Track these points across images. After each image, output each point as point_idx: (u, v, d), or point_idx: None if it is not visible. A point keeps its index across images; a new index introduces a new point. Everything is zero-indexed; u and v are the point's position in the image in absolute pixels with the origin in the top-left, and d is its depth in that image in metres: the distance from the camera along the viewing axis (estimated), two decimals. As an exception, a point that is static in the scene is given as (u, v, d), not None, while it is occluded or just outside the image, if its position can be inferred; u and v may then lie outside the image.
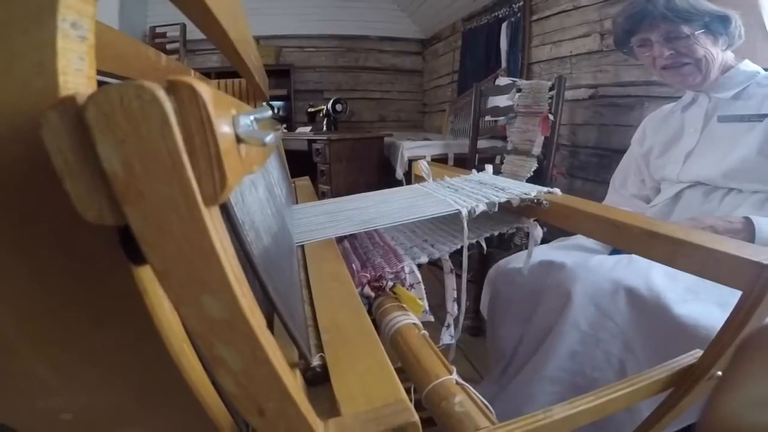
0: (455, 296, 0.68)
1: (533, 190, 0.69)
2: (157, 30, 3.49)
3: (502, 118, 1.78)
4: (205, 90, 0.13)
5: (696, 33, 0.90)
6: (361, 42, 3.94)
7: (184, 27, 3.44)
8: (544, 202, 0.66)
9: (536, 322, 0.86)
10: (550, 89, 1.60)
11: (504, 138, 1.80)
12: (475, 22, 2.99)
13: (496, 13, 2.67)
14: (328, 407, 0.25)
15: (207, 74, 1.52)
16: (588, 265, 0.81)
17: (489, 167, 0.88)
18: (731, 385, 0.20)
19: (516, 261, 0.97)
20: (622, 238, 0.55)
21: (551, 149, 1.61)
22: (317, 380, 0.29)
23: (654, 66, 0.99)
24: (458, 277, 0.68)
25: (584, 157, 1.93)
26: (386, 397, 0.24)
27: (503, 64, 2.53)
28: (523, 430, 0.36)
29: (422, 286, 0.59)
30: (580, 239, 1.01)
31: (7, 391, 0.19)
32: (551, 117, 1.58)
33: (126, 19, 3.26)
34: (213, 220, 0.13)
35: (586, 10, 1.95)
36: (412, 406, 0.24)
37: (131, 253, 0.15)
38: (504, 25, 2.54)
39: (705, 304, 0.69)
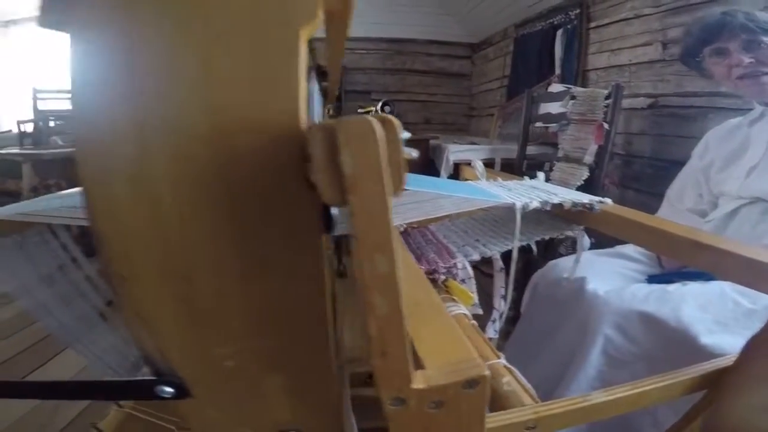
0: (503, 293, 0.70)
1: (585, 198, 0.70)
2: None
3: (554, 124, 1.77)
4: (397, 122, 0.19)
5: None
6: (408, 45, 3.99)
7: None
8: (597, 207, 0.67)
9: (561, 336, 0.88)
10: (606, 97, 1.58)
11: (554, 145, 1.78)
12: (528, 28, 2.96)
13: (551, 20, 2.64)
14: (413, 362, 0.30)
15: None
16: (622, 294, 0.83)
17: (541, 174, 0.89)
18: (738, 388, 0.20)
19: (561, 267, 0.98)
20: (671, 247, 0.56)
21: (604, 158, 1.58)
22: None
23: (728, 76, 0.96)
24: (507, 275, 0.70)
25: (638, 167, 1.88)
26: (460, 357, 0.28)
27: (557, 70, 2.50)
28: (564, 410, 0.39)
29: (473, 282, 0.62)
30: (625, 248, 1.01)
31: (189, 342, 0.25)
32: (606, 126, 1.56)
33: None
34: (391, 205, 0.19)
35: (648, 19, 1.90)
36: (483, 363, 0.28)
37: (326, 224, 0.22)
38: (559, 32, 2.51)
39: (733, 336, 0.69)
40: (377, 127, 0.18)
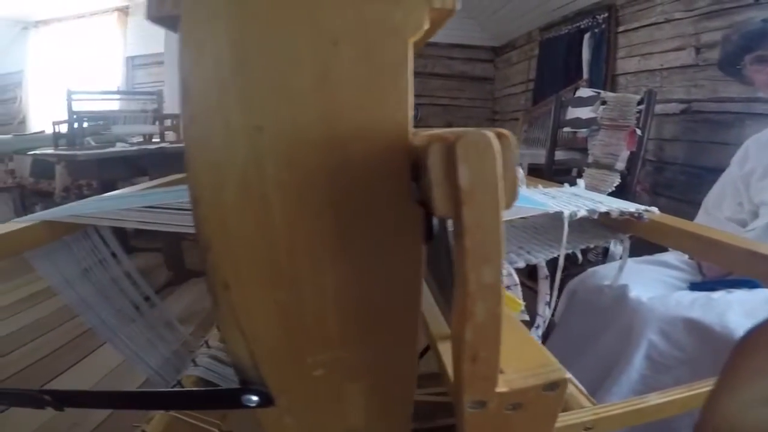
0: (547, 300, 0.70)
1: (632, 206, 0.69)
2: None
3: (583, 129, 1.75)
4: (513, 136, 0.19)
5: None
6: (430, 48, 3.98)
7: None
8: (645, 216, 0.66)
9: (603, 342, 0.88)
10: (639, 103, 1.55)
11: (583, 150, 1.76)
12: (554, 31, 2.94)
13: (578, 24, 2.62)
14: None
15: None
16: (666, 301, 0.83)
17: (581, 181, 0.88)
18: (730, 383, 0.20)
19: (600, 274, 0.97)
20: (727, 257, 0.56)
21: (636, 165, 1.56)
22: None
23: None
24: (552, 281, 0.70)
25: (671, 174, 1.85)
26: (538, 361, 0.28)
27: (585, 74, 2.47)
28: (621, 411, 0.40)
29: (519, 289, 0.62)
30: (664, 256, 1.00)
31: (284, 350, 0.25)
32: (638, 132, 1.53)
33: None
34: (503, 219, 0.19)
35: (680, 23, 1.87)
36: (562, 367, 0.28)
37: (427, 234, 0.23)
38: (587, 36, 2.49)
39: None
40: (494, 140, 0.18)
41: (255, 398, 0.27)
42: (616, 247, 1.50)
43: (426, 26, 0.21)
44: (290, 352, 0.26)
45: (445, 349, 0.34)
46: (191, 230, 0.60)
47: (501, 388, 0.25)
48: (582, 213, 0.64)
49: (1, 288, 1.95)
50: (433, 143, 0.19)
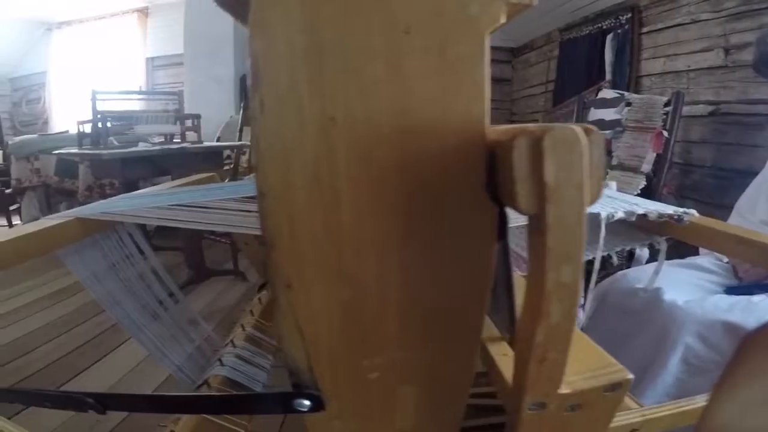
0: (582, 303, 0.68)
1: (670, 208, 0.67)
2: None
3: (607, 131, 1.72)
4: (600, 133, 0.19)
5: None
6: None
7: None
8: (685, 219, 0.65)
9: (635, 345, 0.87)
10: (666, 105, 1.52)
11: (607, 152, 1.73)
12: (574, 32, 2.90)
13: (600, 24, 2.58)
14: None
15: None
16: (703, 304, 0.82)
17: (613, 183, 0.87)
18: (730, 385, 0.20)
19: (631, 277, 0.95)
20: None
21: (662, 167, 1.53)
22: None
23: None
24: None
25: (698, 176, 1.81)
26: (599, 363, 0.28)
27: (608, 76, 2.43)
28: (668, 413, 0.40)
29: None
30: (697, 259, 0.98)
31: (341, 353, 0.25)
32: (665, 134, 1.50)
33: (239, 23, 3.57)
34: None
35: (707, 24, 1.83)
36: (624, 368, 0.28)
37: (501, 233, 0.22)
38: (609, 37, 2.45)
39: None
40: (582, 136, 0.18)
41: (307, 403, 0.27)
42: (642, 251, 1.47)
43: (503, 20, 0.21)
44: (347, 354, 0.25)
45: (496, 351, 0.33)
46: (218, 228, 0.60)
47: (563, 390, 0.25)
48: (619, 215, 0.62)
49: (28, 284, 1.98)
50: (519, 137, 0.18)
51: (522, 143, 0.18)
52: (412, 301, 0.23)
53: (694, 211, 0.68)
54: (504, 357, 0.32)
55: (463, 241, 0.21)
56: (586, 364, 0.28)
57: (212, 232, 2.19)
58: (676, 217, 0.65)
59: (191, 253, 2.01)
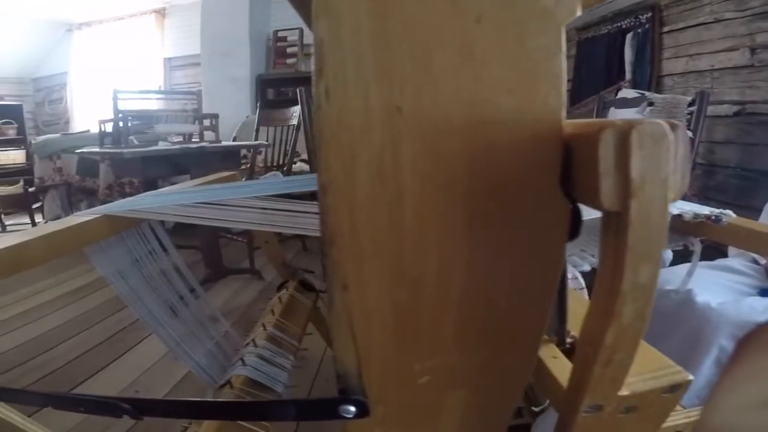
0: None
1: (705, 209, 0.66)
2: (279, 34, 3.80)
3: (629, 132, 1.69)
4: (686, 130, 0.17)
5: None
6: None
7: (301, 32, 3.69)
8: (724, 220, 0.63)
9: (666, 347, 0.83)
10: (690, 104, 1.49)
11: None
12: (593, 31, 2.87)
13: (619, 24, 2.55)
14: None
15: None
16: (738, 306, 0.78)
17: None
18: (729, 385, 0.20)
19: (662, 278, 0.93)
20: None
21: (687, 168, 1.49)
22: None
23: None
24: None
25: (722, 177, 1.77)
26: (657, 365, 0.28)
27: (628, 75, 2.40)
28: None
29: (585, 292, 0.59)
30: (728, 261, 0.95)
31: (393, 356, 0.24)
32: (689, 134, 1.47)
33: (255, 24, 3.62)
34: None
35: (731, 23, 1.80)
36: (683, 369, 0.28)
37: (573, 231, 0.21)
38: (629, 36, 2.42)
39: None
40: (669, 132, 0.17)
41: (353, 409, 0.26)
42: (666, 252, 1.44)
43: (578, 12, 0.20)
44: (399, 357, 0.24)
45: (545, 353, 0.32)
46: (243, 227, 0.59)
47: (622, 392, 0.24)
48: (654, 215, 0.61)
49: (48, 282, 2.01)
50: (606, 130, 0.17)
51: (609, 137, 0.17)
52: (473, 301, 0.22)
53: (731, 212, 0.67)
54: (554, 359, 0.31)
55: (534, 239, 0.21)
56: (644, 366, 0.27)
57: (229, 231, 2.20)
58: (713, 217, 0.63)
59: (209, 252, 2.03)
